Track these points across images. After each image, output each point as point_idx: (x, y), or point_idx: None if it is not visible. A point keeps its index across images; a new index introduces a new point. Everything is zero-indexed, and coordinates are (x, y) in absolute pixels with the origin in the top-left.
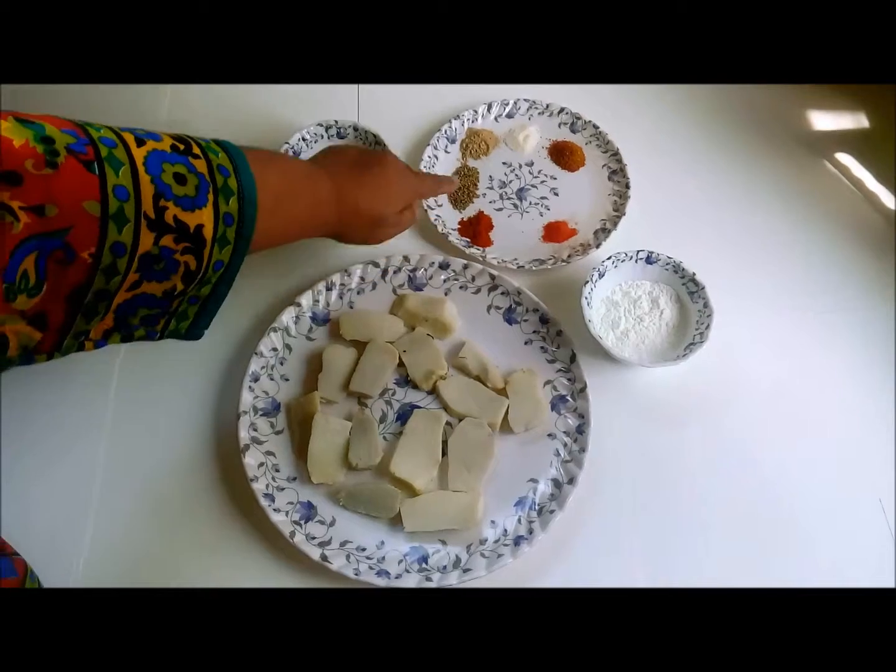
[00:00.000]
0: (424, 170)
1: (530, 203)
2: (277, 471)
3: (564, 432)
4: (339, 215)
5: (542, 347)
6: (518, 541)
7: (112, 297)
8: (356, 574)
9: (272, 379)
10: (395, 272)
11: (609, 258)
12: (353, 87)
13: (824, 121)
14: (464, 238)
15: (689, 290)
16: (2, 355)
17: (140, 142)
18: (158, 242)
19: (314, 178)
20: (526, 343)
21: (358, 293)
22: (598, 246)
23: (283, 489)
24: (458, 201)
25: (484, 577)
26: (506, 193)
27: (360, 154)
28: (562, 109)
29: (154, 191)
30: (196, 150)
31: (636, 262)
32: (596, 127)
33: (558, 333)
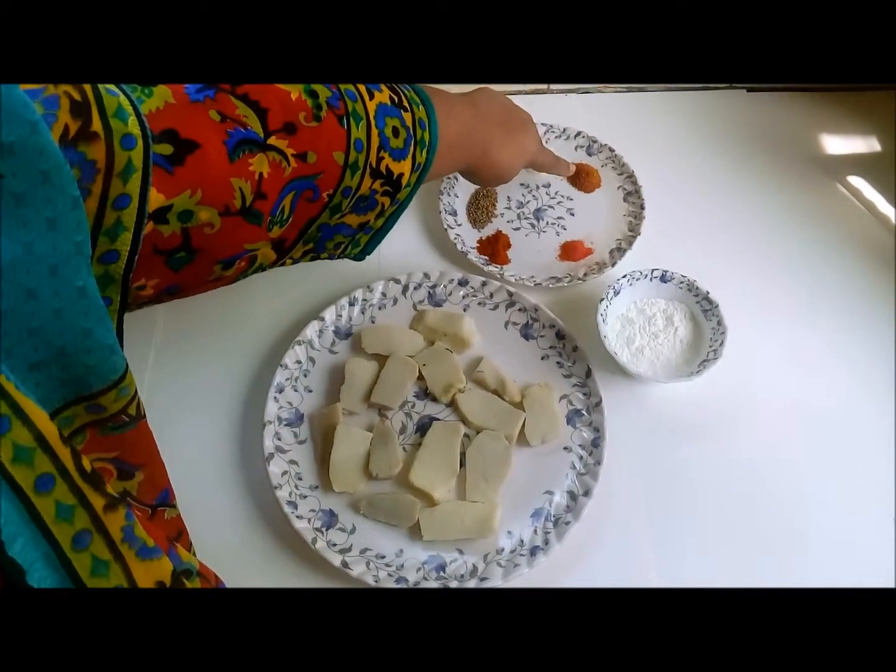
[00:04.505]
0: (444, 190)
1: (547, 223)
2: (300, 479)
3: (580, 445)
4: (480, 162)
5: (558, 362)
6: (534, 551)
7: (327, 226)
8: (376, 581)
9: (296, 390)
10: (415, 288)
11: (624, 276)
12: None
13: (837, 144)
14: (482, 256)
15: (703, 308)
16: (247, 271)
17: (370, 94)
18: (372, 186)
19: (474, 131)
20: (542, 358)
21: (379, 308)
22: (613, 265)
23: (305, 497)
24: (477, 221)
25: (500, 586)
26: (523, 213)
27: (512, 110)
28: (578, 133)
29: (378, 143)
30: (405, 103)
31: (651, 280)
32: (612, 150)
33: (574, 349)
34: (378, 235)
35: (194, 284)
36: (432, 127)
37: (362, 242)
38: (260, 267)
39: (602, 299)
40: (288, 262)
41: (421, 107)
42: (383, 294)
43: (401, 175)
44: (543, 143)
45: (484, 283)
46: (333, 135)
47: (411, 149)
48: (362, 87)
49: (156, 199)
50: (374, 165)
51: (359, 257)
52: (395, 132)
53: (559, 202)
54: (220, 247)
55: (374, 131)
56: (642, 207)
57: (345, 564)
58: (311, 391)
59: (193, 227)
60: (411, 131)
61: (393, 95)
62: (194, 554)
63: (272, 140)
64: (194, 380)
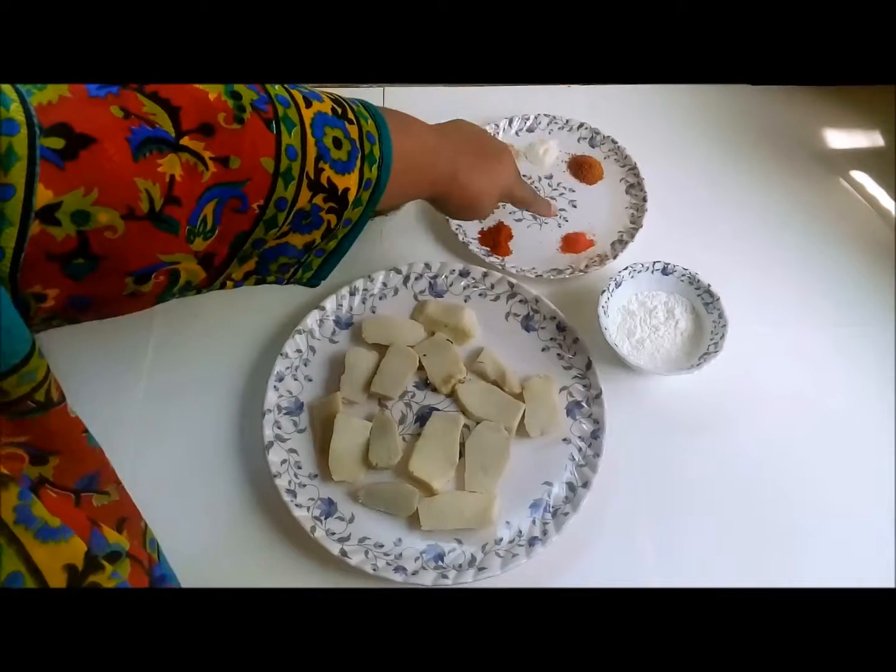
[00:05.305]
0: None
1: None
2: (299, 468)
3: (579, 437)
4: (448, 188)
5: (558, 354)
6: (532, 541)
7: (264, 245)
8: (374, 570)
9: (296, 379)
10: (416, 279)
11: (626, 269)
12: (378, 104)
13: (840, 139)
14: (484, 247)
15: (704, 302)
16: (171, 288)
17: (307, 102)
18: (312, 200)
19: (439, 151)
20: (543, 350)
21: (380, 298)
22: (615, 257)
23: (304, 486)
24: None
25: (498, 576)
26: None
27: (485, 138)
28: (581, 125)
29: (316, 153)
30: (350, 115)
31: (652, 272)
32: (614, 142)
33: (575, 341)
34: (332, 259)
35: (107, 299)
36: (384, 142)
37: (314, 266)
38: (188, 285)
39: (603, 291)
40: (229, 284)
41: (370, 121)
42: (384, 284)
43: (346, 190)
44: (547, 132)
45: (485, 275)
46: (259, 139)
47: (358, 163)
48: (297, 95)
49: (43, 195)
50: (311, 177)
51: (312, 283)
52: (337, 143)
53: (561, 194)
54: (128, 256)
55: (311, 140)
56: (644, 200)
57: (343, 553)
58: (311, 380)
59: (92, 230)
60: (357, 144)
61: (336, 107)
62: (151, 540)
63: (185, 141)
64: (194, 369)
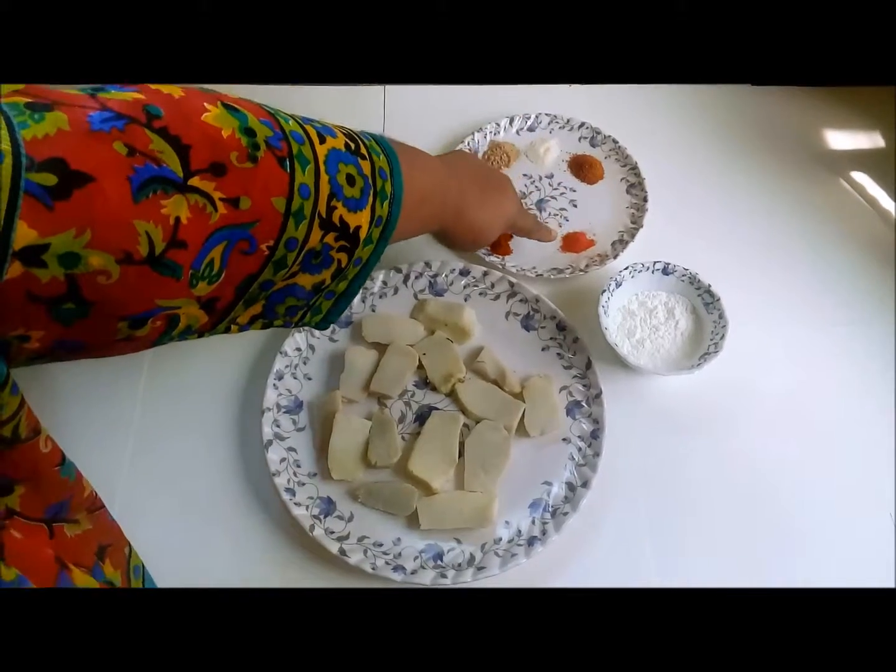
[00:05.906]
0: None
1: (549, 214)
2: (299, 466)
3: (579, 437)
4: (455, 224)
5: (558, 354)
6: (532, 541)
7: (272, 287)
8: (373, 569)
9: (296, 378)
10: (416, 277)
11: (626, 268)
12: (379, 103)
13: (840, 140)
14: None
15: (704, 302)
16: (169, 333)
17: (321, 138)
18: (323, 239)
19: (446, 186)
20: (543, 349)
21: (380, 297)
22: (615, 257)
23: (303, 484)
24: None
25: (497, 576)
26: (526, 204)
27: (488, 171)
28: (582, 124)
29: (329, 191)
30: (363, 151)
31: (653, 272)
32: (615, 141)
33: (575, 340)
34: (342, 301)
35: (98, 343)
36: (395, 178)
37: (323, 309)
38: (189, 329)
39: (604, 291)
40: (234, 328)
41: (382, 156)
42: (384, 283)
43: (358, 228)
44: (548, 132)
45: (485, 274)
46: (272, 178)
47: (370, 200)
48: (311, 131)
49: (25, 235)
50: (323, 215)
51: (321, 326)
52: (351, 180)
53: (562, 193)
54: (123, 301)
55: (325, 177)
56: (645, 199)
57: (342, 552)
58: (310, 379)
59: (82, 274)
60: (370, 181)
61: (349, 142)
62: (136, 567)
63: (195, 181)
64: (193, 367)
